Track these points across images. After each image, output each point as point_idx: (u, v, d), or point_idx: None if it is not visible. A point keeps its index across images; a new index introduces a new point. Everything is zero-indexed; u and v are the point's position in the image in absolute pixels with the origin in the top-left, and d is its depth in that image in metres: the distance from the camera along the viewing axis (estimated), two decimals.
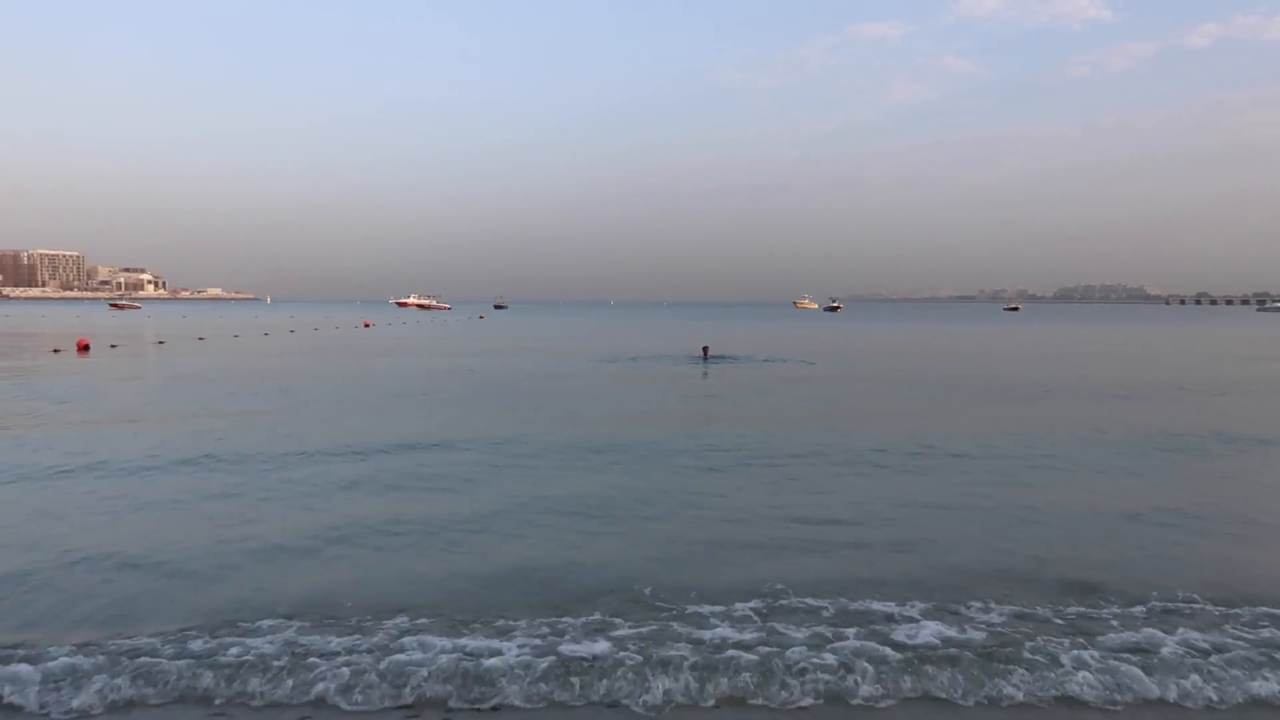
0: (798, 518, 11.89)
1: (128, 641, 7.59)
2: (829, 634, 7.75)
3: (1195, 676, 7.01)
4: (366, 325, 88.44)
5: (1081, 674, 7.03)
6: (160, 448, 16.72)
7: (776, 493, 13.44)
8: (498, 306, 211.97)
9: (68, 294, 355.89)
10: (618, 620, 8.09)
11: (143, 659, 7.20)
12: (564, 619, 8.11)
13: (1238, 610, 8.41)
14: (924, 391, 28.95)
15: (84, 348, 45.04)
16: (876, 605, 8.46)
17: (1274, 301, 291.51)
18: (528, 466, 15.38)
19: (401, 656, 7.25)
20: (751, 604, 8.49)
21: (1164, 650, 7.42)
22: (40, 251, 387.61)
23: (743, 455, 16.56)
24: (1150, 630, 7.86)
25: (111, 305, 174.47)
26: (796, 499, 13.00)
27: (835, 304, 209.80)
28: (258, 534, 10.96)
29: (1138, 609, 8.46)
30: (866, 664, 7.13)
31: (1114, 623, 8.11)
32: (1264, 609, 8.42)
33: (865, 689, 6.86)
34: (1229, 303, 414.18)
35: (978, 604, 8.55)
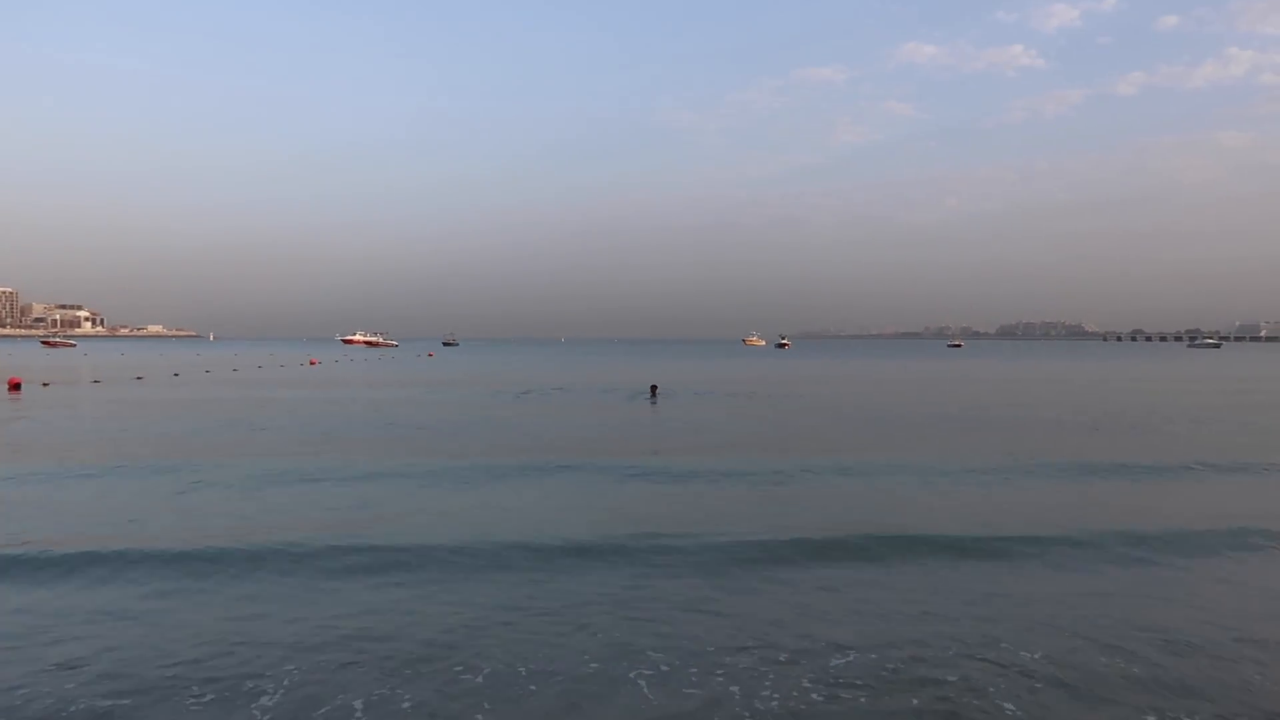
0: None
1: None
2: None
3: None
4: (313, 363, 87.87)
5: None
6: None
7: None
8: (447, 344, 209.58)
9: (0, 331, 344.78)
10: None
11: None
12: None
13: None
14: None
15: (14, 386, 43.72)
16: None
17: (1204, 338, 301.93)
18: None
19: None
20: None
21: None
22: None
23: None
24: None
25: (44, 343, 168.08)
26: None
27: (784, 341, 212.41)
28: None
29: None
30: None
31: None
32: None
33: None
34: (1163, 339, 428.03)
35: None
